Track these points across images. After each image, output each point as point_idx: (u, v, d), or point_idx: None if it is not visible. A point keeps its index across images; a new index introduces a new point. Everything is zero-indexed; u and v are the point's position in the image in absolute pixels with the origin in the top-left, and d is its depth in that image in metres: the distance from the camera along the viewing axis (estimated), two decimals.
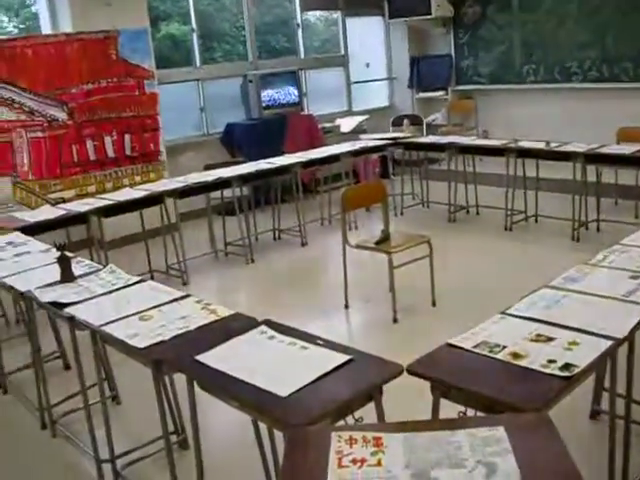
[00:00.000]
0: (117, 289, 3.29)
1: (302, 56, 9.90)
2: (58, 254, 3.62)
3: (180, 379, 2.81)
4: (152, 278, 5.30)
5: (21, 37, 7.10)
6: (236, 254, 6.80)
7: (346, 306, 5.24)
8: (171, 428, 3.59)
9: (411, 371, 2.28)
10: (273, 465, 2.98)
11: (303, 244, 7.04)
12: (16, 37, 7.15)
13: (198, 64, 8.75)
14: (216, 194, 6.79)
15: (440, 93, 10.39)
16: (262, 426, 2.74)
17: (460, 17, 9.97)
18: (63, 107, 7.09)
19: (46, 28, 7.53)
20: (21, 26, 7.98)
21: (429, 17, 9.81)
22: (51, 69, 7.01)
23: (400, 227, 5.47)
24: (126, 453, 3.42)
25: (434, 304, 5.14)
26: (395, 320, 4.92)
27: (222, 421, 3.69)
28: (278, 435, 2.50)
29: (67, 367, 4.61)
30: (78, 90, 7.16)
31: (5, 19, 7.91)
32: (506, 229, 6.92)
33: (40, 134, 7.01)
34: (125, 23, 7.38)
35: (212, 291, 6.08)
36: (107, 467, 3.37)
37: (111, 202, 5.69)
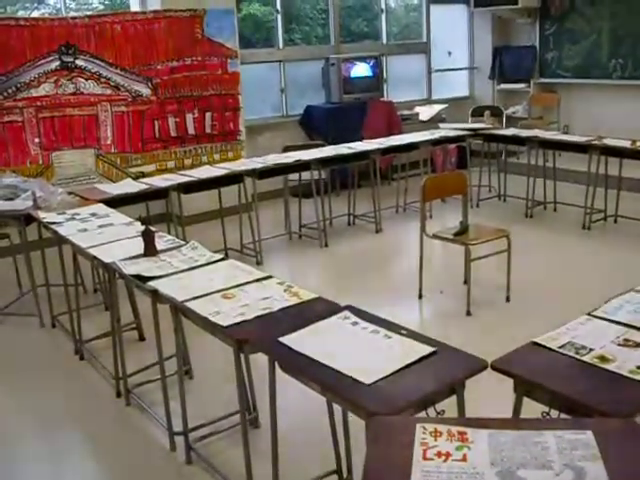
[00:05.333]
0: (199, 266, 3.33)
1: (384, 41, 9.83)
2: (142, 228, 3.69)
3: (256, 358, 2.84)
4: (227, 256, 5.35)
5: (110, 13, 7.22)
6: (310, 237, 6.82)
7: (420, 296, 5.21)
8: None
9: (496, 367, 2.25)
10: (345, 450, 2.99)
11: (377, 231, 7.01)
12: (106, 13, 7.28)
13: (281, 45, 8.77)
14: (293, 176, 6.81)
15: (522, 85, 10.20)
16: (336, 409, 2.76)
17: (547, 7, 9.75)
18: (148, 83, 7.21)
19: (135, 5, 7.64)
20: (106, 2, 8.10)
21: (515, 7, 9.62)
22: (138, 45, 7.13)
23: (475, 220, 5.39)
24: (198, 427, 3.46)
25: (508, 300, 5.07)
26: (468, 313, 4.87)
27: (294, 402, 3.71)
28: (352, 420, 2.51)
29: (142, 339, 4.70)
30: (163, 67, 7.27)
31: None
32: (584, 228, 6.77)
33: (124, 108, 7.14)
34: (211, 2, 7.44)
35: (285, 272, 6.10)
36: (179, 440, 3.43)
37: (191, 179, 5.76)
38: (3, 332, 5.14)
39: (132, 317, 4.62)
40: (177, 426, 3.42)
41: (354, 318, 2.58)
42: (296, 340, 2.43)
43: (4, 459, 3.54)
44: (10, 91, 6.61)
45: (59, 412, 3.95)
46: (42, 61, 6.72)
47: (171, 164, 7.38)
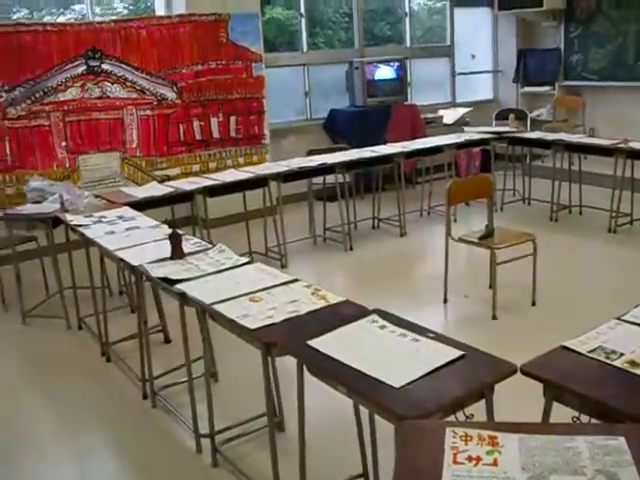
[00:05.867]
0: (226, 269, 3.34)
1: (408, 44, 9.82)
2: (169, 231, 3.71)
3: (280, 362, 2.85)
4: (251, 259, 5.36)
5: (136, 18, 7.27)
6: (335, 240, 6.83)
7: (445, 300, 5.19)
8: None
9: (525, 371, 2.24)
10: (371, 454, 2.98)
11: (402, 234, 7.00)
12: (131, 18, 7.32)
13: (305, 49, 8.79)
14: (317, 179, 6.82)
15: (546, 88, 10.14)
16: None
17: (572, 10, 9.69)
18: (173, 87, 7.25)
19: (160, 9, 7.69)
20: (130, 7, 8.15)
21: (540, 9, 9.58)
22: (163, 49, 7.19)
23: (500, 223, 5.37)
24: (224, 430, 3.47)
25: (534, 304, 5.04)
26: (494, 317, 4.85)
27: (319, 405, 3.71)
28: (379, 422, 2.50)
29: (167, 341, 4.73)
30: (188, 71, 7.31)
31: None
32: (610, 231, 6.72)
33: (149, 112, 7.19)
34: (236, 6, 7.47)
35: (310, 276, 6.07)
36: (205, 442, 3.44)
37: (217, 182, 5.78)
38: (30, 334, 5.19)
39: (158, 319, 4.64)
40: (203, 428, 3.44)
41: (382, 321, 2.58)
42: (324, 343, 2.43)
43: (31, 460, 3.57)
44: (37, 95, 6.67)
45: (86, 413, 3.98)
46: (69, 66, 6.79)
47: (196, 167, 7.42)
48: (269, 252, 6.34)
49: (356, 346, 2.41)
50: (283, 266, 6.06)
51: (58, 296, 5.28)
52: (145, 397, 4.03)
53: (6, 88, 6.55)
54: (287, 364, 2.56)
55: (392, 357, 2.34)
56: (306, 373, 2.44)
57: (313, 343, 2.44)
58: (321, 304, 2.81)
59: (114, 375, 4.41)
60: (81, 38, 6.81)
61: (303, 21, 8.78)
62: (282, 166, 6.27)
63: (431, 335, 2.45)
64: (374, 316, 2.63)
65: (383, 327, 2.54)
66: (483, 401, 2.20)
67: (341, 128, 8.62)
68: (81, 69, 6.85)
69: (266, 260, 6.10)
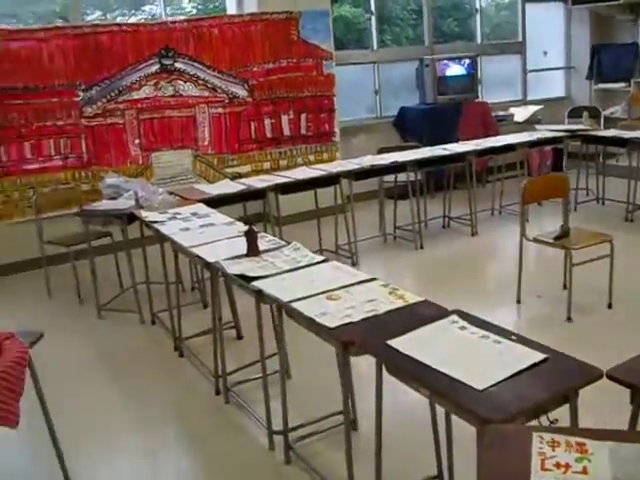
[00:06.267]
0: (302, 267, 3.34)
1: (478, 41, 9.70)
2: (244, 228, 3.73)
3: (355, 361, 2.83)
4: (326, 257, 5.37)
5: (208, 17, 7.36)
6: (405, 239, 6.79)
7: (518, 301, 5.11)
8: (341, 408, 3.64)
9: (611, 376, 2.19)
10: (447, 455, 2.95)
11: (473, 233, 6.92)
12: (204, 17, 7.41)
13: (375, 47, 8.75)
14: (388, 177, 6.78)
15: (621, 85, 9.89)
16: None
17: None
18: (244, 85, 7.31)
19: (231, 8, 7.76)
20: (199, 7, 8.24)
21: (616, 2, 9.35)
22: (235, 48, 7.26)
23: (573, 223, 5.24)
24: (297, 427, 3.47)
25: (610, 306, 4.92)
26: (569, 319, 4.75)
27: (393, 405, 3.69)
28: (455, 422, 2.47)
29: (239, 337, 4.77)
30: (259, 69, 7.37)
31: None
32: None
33: (221, 110, 7.27)
34: (307, 4, 7.49)
35: (380, 274, 5.91)
36: (278, 439, 3.45)
37: (289, 180, 5.80)
38: (105, 327, 5.29)
39: (230, 315, 4.67)
40: (276, 425, 3.45)
41: (462, 322, 2.55)
42: (404, 343, 2.41)
43: (104, 453, 3.63)
44: (113, 94, 6.81)
45: (159, 408, 4.04)
46: (143, 65, 6.91)
47: (266, 165, 7.48)
48: (339, 250, 6.34)
49: (436, 347, 2.38)
50: (354, 264, 6.04)
51: (131, 291, 5.37)
52: (218, 393, 4.06)
53: (83, 87, 6.71)
54: (359, 363, 2.55)
55: (474, 359, 2.30)
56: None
57: (393, 343, 2.42)
58: (399, 303, 2.78)
59: (187, 370, 4.47)
60: (155, 37, 6.93)
61: (373, 19, 8.75)
62: (353, 164, 6.25)
63: (513, 337, 2.41)
64: (454, 317, 2.59)
65: (463, 328, 2.51)
66: (564, 406, 2.15)
67: (411, 126, 8.56)
68: (155, 68, 6.96)
69: (336, 258, 6.06)
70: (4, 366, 2.59)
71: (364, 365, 2.68)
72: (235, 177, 6.60)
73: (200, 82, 7.13)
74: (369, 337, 2.52)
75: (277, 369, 3.89)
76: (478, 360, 2.29)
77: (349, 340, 2.52)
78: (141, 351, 4.85)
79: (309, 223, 6.52)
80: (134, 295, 5.31)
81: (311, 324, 2.72)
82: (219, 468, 3.45)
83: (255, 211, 6.16)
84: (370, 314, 2.70)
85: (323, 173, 6.01)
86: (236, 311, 4.67)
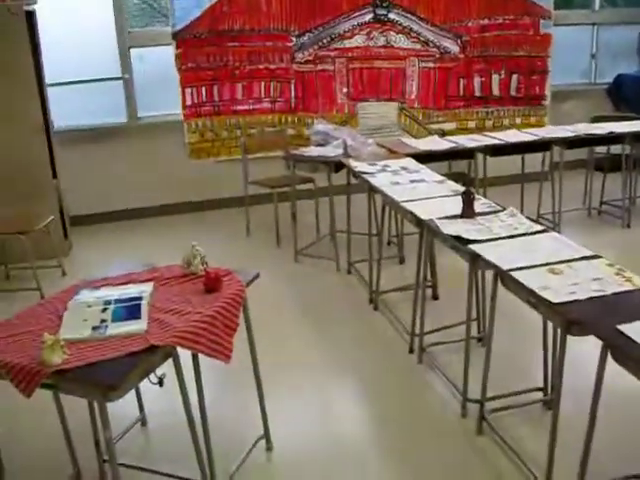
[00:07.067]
0: (519, 235, 3.21)
1: None
2: (458, 188, 3.64)
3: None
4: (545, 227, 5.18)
5: None
6: (611, 214, 6.43)
7: None
8: (540, 384, 3.51)
9: None
10: None
11: None
12: None
13: (597, 7, 8.24)
14: (599, 148, 6.42)
15: None
16: None
17: None
18: (457, 40, 7.13)
19: None
20: None
21: None
22: (451, 1, 7.05)
23: None
24: (493, 398, 3.38)
25: None
26: None
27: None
28: None
29: (435, 297, 4.71)
30: (474, 24, 7.15)
31: None
32: None
33: (431, 64, 7.13)
34: None
35: None
36: (471, 407, 3.38)
37: (500, 142, 5.59)
38: (300, 271, 5.40)
39: (429, 275, 4.61)
40: (472, 393, 3.37)
41: None
42: (637, 331, 2.25)
43: (287, 394, 3.70)
44: (325, 41, 6.84)
45: (350, 358, 4.06)
46: (357, 13, 6.88)
47: (472, 124, 7.30)
48: (540, 218, 6.09)
49: None
50: None
51: (328, 238, 5.42)
52: (411, 351, 4.03)
53: (296, 33, 6.78)
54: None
55: None
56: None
57: (624, 328, 2.26)
58: (627, 286, 2.59)
59: (380, 324, 4.46)
60: None
61: None
62: (567, 131, 5.94)
63: None
64: None
65: None
66: None
67: (628, 95, 8.02)
68: (368, 17, 6.91)
69: None
70: (223, 302, 2.66)
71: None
72: (438, 133, 6.48)
73: (412, 35, 7.01)
74: (597, 318, 2.37)
75: (474, 335, 3.83)
76: None
77: (576, 319, 2.38)
78: (336, 299, 4.89)
79: (510, 187, 6.32)
80: (331, 242, 5.36)
81: (531, 296, 2.60)
82: (407, 428, 3.39)
83: (456, 170, 6.02)
84: (597, 294, 2.53)
85: (535, 138, 5.74)
86: (435, 271, 4.61)
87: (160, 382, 2.43)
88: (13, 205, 5.41)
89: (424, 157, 5.06)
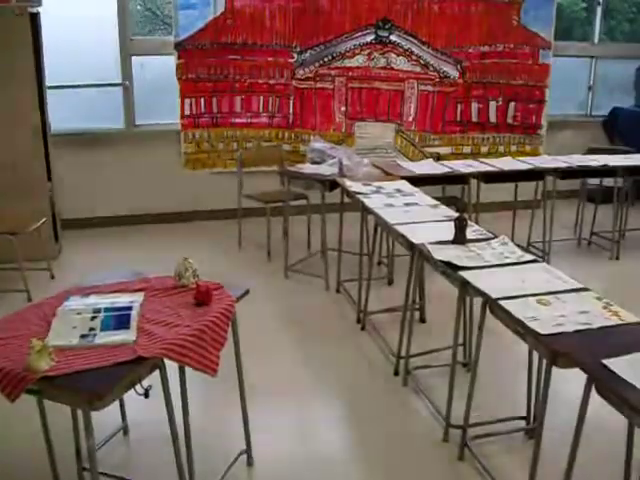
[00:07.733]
0: (510, 263, 3.23)
1: None
2: (452, 213, 3.66)
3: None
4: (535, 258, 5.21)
5: None
6: (600, 246, 6.46)
7: None
8: (523, 413, 3.52)
9: None
10: None
11: None
12: None
13: (596, 40, 8.32)
14: (592, 180, 6.48)
15: None
16: None
17: None
18: (457, 65, 7.19)
19: None
20: None
21: None
22: (452, 26, 7.12)
23: None
24: (475, 425, 3.38)
25: None
26: None
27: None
28: None
29: (422, 320, 4.72)
30: (474, 50, 7.22)
31: None
32: None
33: (430, 88, 7.19)
34: None
35: None
36: (453, 433, 3.38)
37: (494, 169, 5.63)
38: (289, 287, 5.40)
39: (418, 298, 4.62)
40: (453, 418, 3.38)
41: None
42: (621, 365, 2.27)
43: (271, 410, 3.69)
44: (326, 59, 6.89)
45: (334, 377, 4.05)
46: (359, 34, 6.94)
47: (467, 149, 7.34)
48: (530, 247, 6.13)
49: None
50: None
51: (318, 255, 5.43)
52: (397, 374, 4.03)
53: (298, 50, 6.82)
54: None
55: None
56: None
57: (609, 363, 2.28)
58: (614, 321, 2.62)
59: (367, 345, 4.46)
60: (374, 7, 6.92)
61: (599, 10, 8.29)
62: (560, 161, 5.99)
63: None
64: None
65: None
66: None
67: (623, 128, 8.10)
68: (370, 38, 6.97)
69: None
70: (212, 316, 2.66)
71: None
72: (433, 157, 6.52)
73: (413, 57, 7.07)
74: (582, 351, 2.39)
75: (460, 360, 3.84)
76: None
77: (563, 351, 2.40)
78: (324, 317, 4.90)
79: (502, 214, 6.37)
80: (322, 259, 5.37)
81: (519, 326, 2.62)
82: (389, 450, 3.39)
83: (450, 193, 6.05)
84: (583, 327, 2.56)
85: (530, 167, 5.79)
86: (424, 294, 4.62)
87: (146, 393, 2.43)
88: (5, 205, 5.40)
89: (419, 180, 5.09)
